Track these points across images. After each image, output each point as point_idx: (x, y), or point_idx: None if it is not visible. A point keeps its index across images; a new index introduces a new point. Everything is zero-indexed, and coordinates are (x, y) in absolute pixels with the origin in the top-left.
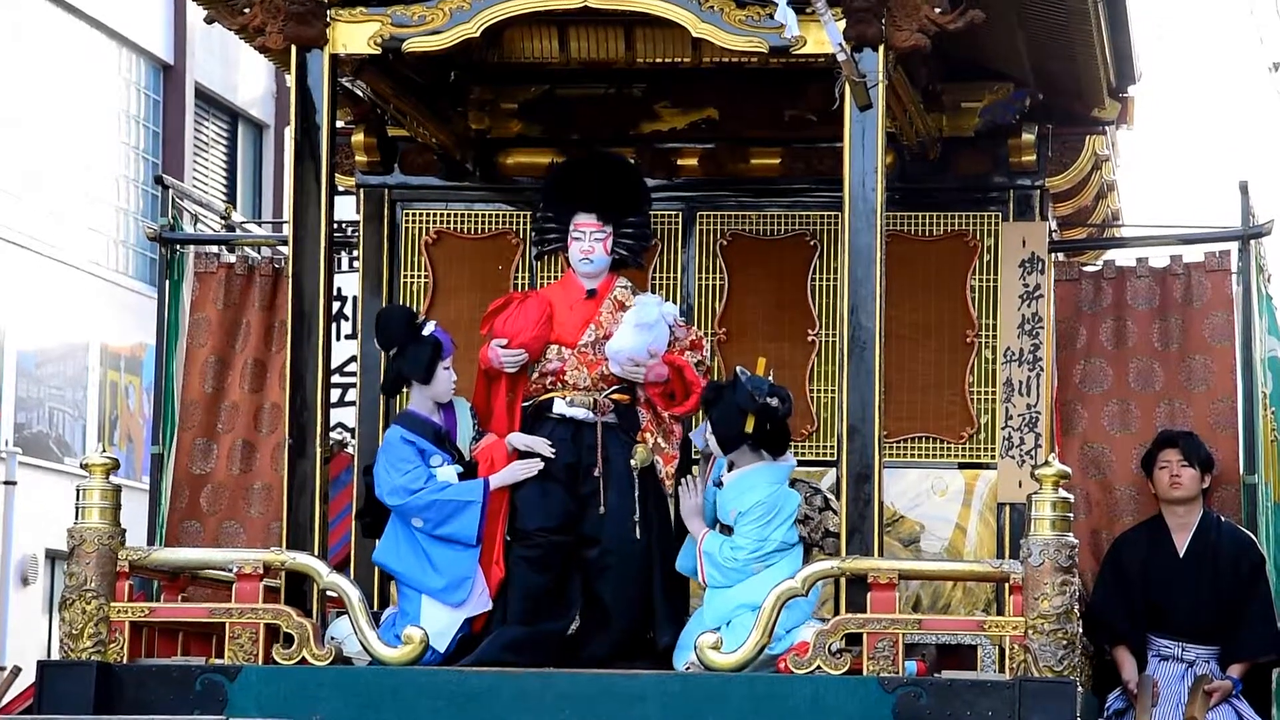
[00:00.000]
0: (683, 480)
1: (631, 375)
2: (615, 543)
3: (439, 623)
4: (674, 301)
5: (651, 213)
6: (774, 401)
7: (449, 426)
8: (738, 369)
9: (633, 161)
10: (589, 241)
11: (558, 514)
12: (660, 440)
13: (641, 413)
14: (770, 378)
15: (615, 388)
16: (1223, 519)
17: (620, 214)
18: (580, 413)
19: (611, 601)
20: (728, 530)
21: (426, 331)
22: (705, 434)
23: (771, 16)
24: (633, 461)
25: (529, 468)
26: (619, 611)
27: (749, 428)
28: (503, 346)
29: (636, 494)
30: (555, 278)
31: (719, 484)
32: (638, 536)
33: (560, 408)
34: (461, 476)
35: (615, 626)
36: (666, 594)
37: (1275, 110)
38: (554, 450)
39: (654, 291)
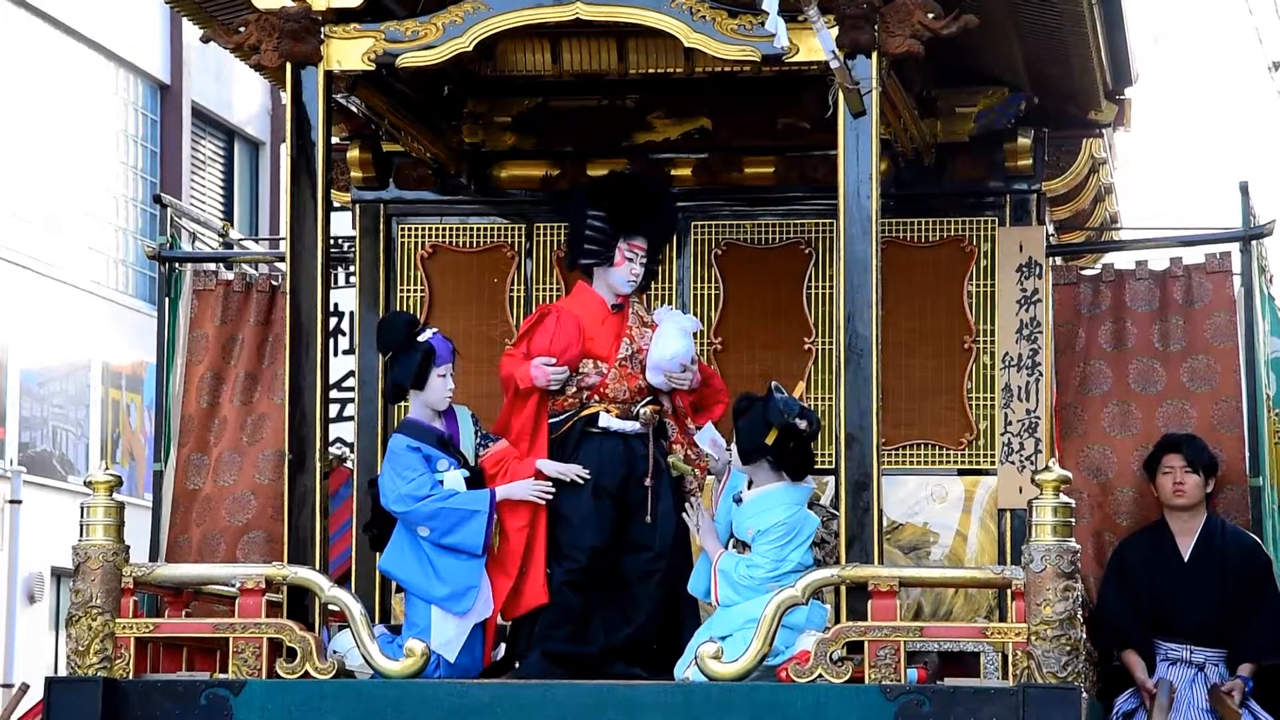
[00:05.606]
0: (687, 504)
1: (677, 382)
2: (666, 549)
3: (447, 632)
4: None
5: None
6: (801, 423)
7: (451, 433)
8: (772, 384)
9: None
10: (639, 264)
11: (607, 531)
12: (689, 450)
13: (669, 424)
14: (802, 401)
15: (648, 400)
16: (1227, 522)
17: (663, 241)
18: (630, 425)
19: (657, 607)
20: (742, 547)
21: (423, 338)
22: (710, 436)
23: (764, 25)
24: (675, 471)
25: (541, 491)
26: (662, 617)
27: (769, 440)
28: (551, 365)
29: (674, 503)
30: (550, 287)
31: (738, 500)
32: (684, 543)
33: (606, 421)
34: (468, 482)
35: (656, 631)
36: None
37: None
38: (587, 474)
39: (649, 303)
